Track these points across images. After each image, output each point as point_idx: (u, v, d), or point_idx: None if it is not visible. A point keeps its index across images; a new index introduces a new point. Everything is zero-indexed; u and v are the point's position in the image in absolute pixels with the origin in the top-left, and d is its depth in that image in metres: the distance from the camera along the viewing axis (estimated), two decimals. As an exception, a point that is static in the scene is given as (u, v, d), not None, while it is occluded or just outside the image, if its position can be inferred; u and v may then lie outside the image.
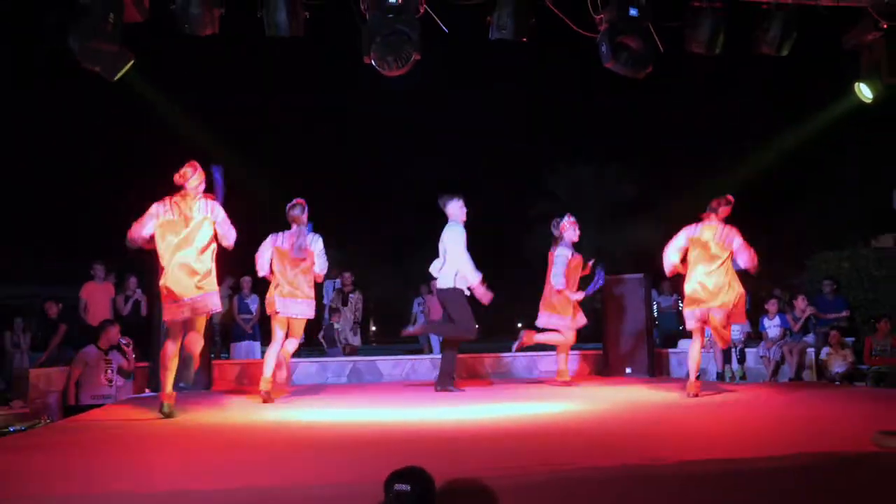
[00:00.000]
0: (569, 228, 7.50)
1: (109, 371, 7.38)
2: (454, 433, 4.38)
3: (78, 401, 7.17)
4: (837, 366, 8.59)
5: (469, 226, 6.92)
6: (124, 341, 7.72)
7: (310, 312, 6.42)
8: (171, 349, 5.28)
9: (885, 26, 6.92)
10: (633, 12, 6.43)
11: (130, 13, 6.10)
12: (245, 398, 6.40)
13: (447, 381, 6.73)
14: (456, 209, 6.91)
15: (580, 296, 7.49)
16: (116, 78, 6.22)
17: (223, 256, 5.53)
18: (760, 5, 6.90)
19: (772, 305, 9.27)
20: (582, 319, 7.52)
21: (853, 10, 7.15)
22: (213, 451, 3.96)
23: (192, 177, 5.29)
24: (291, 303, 6.24)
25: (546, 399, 6.09)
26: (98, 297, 9.38)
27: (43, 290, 11.44)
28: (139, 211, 5.28)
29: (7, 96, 13.44)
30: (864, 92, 7.42)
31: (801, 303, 9.21)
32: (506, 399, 6.20)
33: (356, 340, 11.42)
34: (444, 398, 6.30)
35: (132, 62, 6.34)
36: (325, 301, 11.24)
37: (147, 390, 7.58)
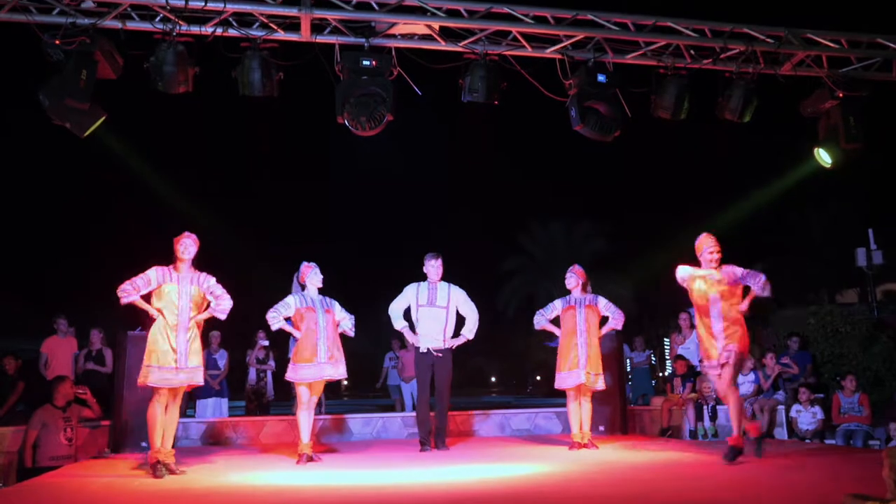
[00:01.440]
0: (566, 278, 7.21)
1: (69, 430, 7.13)
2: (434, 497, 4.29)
3: (35, 462, 6.89)
4: (807, 423, 8.64)
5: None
6: (80, 390, 7.51)
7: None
8: None
9: (840, 95, 7.23)
10: (601, 78, 6.66)
11: (103, 70, 6.14)
12: (209, 459, 6.22)
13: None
14: (426, 268, 6.98)
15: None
16: (86, 135, 6.21)
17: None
18: (723, 73, 7.19)
19: (747, 361, 9.32)
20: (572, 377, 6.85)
21: (811, 80, 7.48)
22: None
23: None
24: None
25: (514, 460, 6.01)
26: (60, 352, 9.13)
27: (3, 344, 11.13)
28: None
29: None
30: (824, 157, 7.68)
31: (769, 361, 9.29)
32: (476, 460, 6.10)
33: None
34: (419, 459, 6.20)
35: (103, 119, 6.35)
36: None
37: (108, 450, 7.34)
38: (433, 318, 6.86)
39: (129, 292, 5.36)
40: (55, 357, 9.07)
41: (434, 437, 6.85)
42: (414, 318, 6.92)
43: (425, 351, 6.84)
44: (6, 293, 16.38)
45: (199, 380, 5.48)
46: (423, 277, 7.00)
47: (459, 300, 6.97)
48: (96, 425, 7.49)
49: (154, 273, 5.43)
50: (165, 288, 5.42)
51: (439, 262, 6.94)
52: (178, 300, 5.41)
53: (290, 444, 7.22)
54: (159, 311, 5.41)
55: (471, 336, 6.96)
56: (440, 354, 6.80)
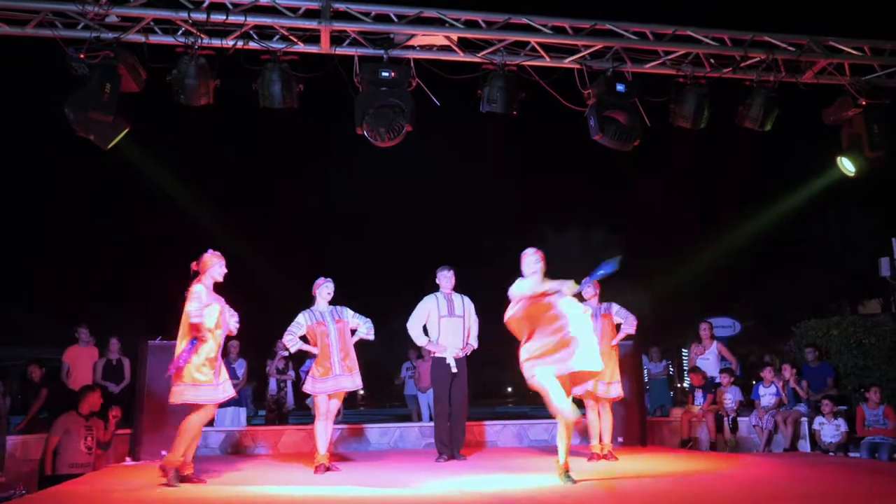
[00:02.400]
0: None
1: (90, 438, 7.19)
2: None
3: (55, 470, 6.95)
4: (831, 436, 8.50)
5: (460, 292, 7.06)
6: (113, 412, 7.56)
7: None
8: None
9: (863, 103, 7.14)
10: (619, 88, 6.64)
11: (127, 83, 6.22)
12: (228, 469, 6.23)
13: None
14: (439, 279, 7.03)
15: None
16: (110, 147, 6.29)
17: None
18: (743, 82, 7.13)
19: (767, 373, 9.20)
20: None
21: (833, 87, 7.39)
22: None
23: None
24: None
25: (533, 471, 5.95)
26: (81, 362, 9.20)
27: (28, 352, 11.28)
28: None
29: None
30: (846, 166, 7.59)
31: (787, 372, 9.17)
32: (494, 471, 6.06)
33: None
34: (436, 469, 6.18)
35: (127, 131, 6.42)
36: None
37: (128, 458, 7.39)
38: (454, 328, 6.92)
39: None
40: (76, 366, 9.14)
41: (451, 446, 6.84)
42: (435, 329, 6.95)
43: (449, 363, 6.86)
44: (31, 303, 16.62)
45: (231, 391, 5.49)
46: (435, 289, 7.04)
47: (471, 310, 7.07)
48: (105, 448, 7.50)
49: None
50: (211, 307, 5.32)
51: (451, 272, 7.03)
52: (218, 318, 5.38)
53: (308, 454, 7.22)
54: (210, 331, 5.32)
55: (476, 345, 7.04)
56: (455, 370, 6.85)
